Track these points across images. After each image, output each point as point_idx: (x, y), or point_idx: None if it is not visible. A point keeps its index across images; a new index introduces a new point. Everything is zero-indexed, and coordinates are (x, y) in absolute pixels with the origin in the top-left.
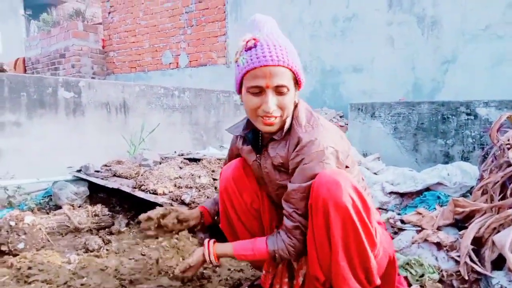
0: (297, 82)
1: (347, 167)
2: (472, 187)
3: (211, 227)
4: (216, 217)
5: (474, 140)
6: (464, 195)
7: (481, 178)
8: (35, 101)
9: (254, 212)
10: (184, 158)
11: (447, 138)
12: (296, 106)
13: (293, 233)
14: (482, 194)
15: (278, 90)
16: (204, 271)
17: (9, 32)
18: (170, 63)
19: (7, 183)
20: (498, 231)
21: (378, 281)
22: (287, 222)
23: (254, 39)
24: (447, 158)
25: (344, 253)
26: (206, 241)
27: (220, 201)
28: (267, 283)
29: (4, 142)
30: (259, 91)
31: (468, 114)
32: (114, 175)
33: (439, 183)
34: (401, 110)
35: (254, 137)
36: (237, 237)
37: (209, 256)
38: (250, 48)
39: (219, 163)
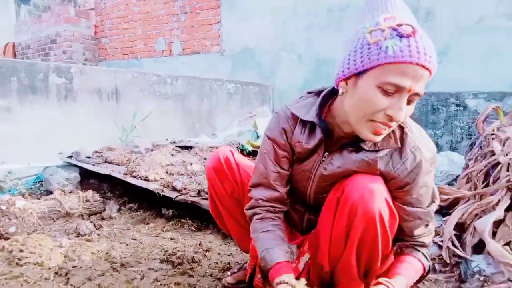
0: None
1: None
2: (457, 176)
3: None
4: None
5: (462, 130)
6: (450, 184)
7: (466, 167)
8: (26, 87)
9: (235, 200)
10: (176, 146)
11: (436, 128)
12: None
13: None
14: (467, 182)
15: (412, 98)
16: (194, 255)
17: None
18: (163, 51)
19: None
20: (480, 217)
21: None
22: (427, 240)
23: (412, 26)
24: (436, 148)
25: (357, 253)
26: None
27: (208, 188)
28: (248, 271)
29: None
30: (395, 91)
31: (457, 105)
32: (106, 162)
33: None
34: None
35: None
36: (222, 220)
37: None
38: (408, 36)
39: (211, 151)
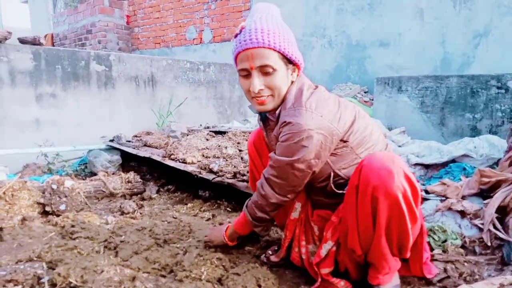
0: (290, 62)
1: (345, 141)
2: (499, 160)
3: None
4: None
5: (503, 114)
6: (490, 167)
7: (509, 150)
8: (69, 74)
9: None
10: (210, 131)
11: (475, 112)
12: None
13: (258, 190)
14: (510, 165)
15: (263, 71)
16: None
17: (37, 9)
18: (194, 39)
19: (47, 150)
20: None
21: (408, 255)
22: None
23: (242, 26)
24: (475, 132)
25: (386, 235)
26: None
27: (249, 162)
28: (284, 246)
29: (42, 112)
30: (247, 73)
31: (498, 88)
32: (145, 145)
33: (465, 155)
34: (429, 84)
35: (264, 115)
36: None
37: (224, 239)
38: (237, 35)
39: (243, 136)
